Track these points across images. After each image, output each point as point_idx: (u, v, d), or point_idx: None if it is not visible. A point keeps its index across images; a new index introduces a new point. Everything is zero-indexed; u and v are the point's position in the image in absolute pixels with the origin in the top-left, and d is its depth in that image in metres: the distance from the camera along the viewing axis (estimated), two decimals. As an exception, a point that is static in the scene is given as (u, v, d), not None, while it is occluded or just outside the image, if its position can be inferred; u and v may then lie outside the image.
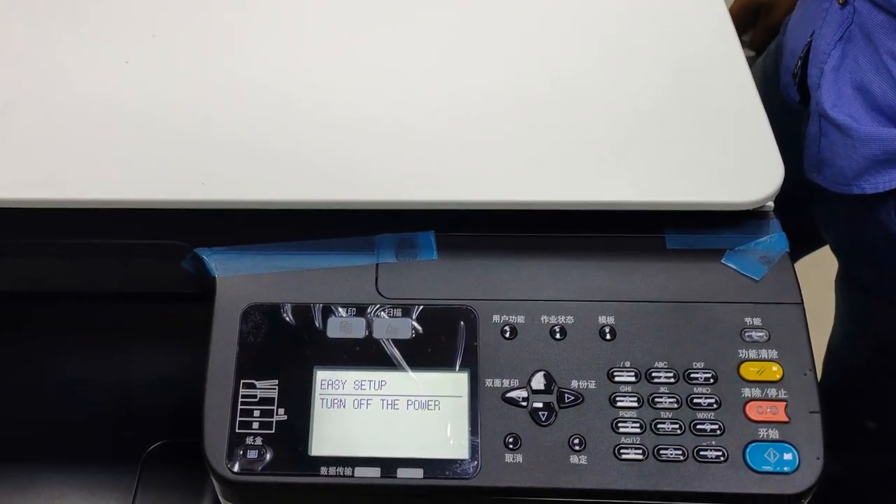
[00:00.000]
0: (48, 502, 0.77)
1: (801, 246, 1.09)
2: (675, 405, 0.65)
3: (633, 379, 0.66)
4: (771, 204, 0.71)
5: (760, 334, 0.67)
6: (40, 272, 0.75)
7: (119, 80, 0.77)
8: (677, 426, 0.64)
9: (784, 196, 0.70)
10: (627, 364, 0.66)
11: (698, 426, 0.64)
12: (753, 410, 0.65)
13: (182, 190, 0.69)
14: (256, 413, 0.65)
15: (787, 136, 0.77)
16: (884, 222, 0.82)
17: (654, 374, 0.66)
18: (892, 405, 1.01)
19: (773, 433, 0.64)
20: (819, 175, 0.85)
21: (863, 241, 0.88)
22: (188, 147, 0.72)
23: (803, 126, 0.89)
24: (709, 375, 0.65)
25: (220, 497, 0.67)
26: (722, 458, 0.63)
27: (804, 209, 0.95)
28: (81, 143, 0.72)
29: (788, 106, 0.94)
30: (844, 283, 0.99)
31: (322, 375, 0.66)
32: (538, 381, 0.66)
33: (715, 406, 0.65)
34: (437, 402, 0.65)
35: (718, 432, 0.64)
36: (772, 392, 0.65)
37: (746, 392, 0.65)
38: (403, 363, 0.66)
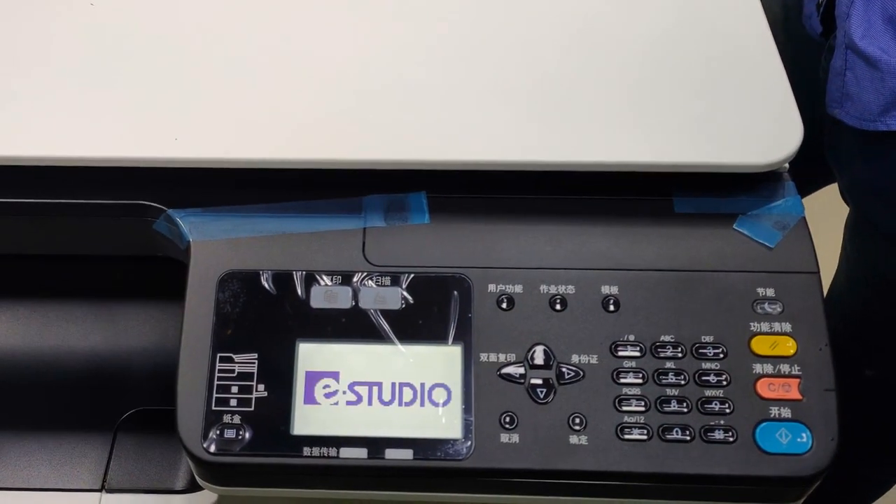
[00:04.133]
0: (16, 473, 0.74)
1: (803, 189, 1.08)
2: (682, 382, 0.62)
3: (637, 353, 0.63)
4: (786, 166, 0.68)
5: (774, 306, 0.64)
6: (4, 233, 0.71)
7: (84, 22, 0.73)
8: (684, 404, 0.62)
9: None
10: (632, 337, 0.63)
11: (706, 404, 0.62)
12: (765, 388, 0.62)
13: (153, 146, 0.66)
14: (234, 389, 0.62)
15: (804, 70, 0.73)
16: None
17: (659, 349, 0.63)
18: (893, 353, 0.99)
19: (786, 412, 0.61)
20: (842, 110, 0.83)
21: (880, 180, 0.86)
22: (160, 99, 0.68)
23: (825, 59, 0.87)
24: (718, 350, 0.63)
25: (196, 477, 0.63)
26: (731, 439, 0.61)
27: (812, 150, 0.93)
28: (44, 96, 0.68)
29: (808, 39, 0.91)
30: (856, 227, 0.97)
31: (305, 349, 0.63)
32: (536, 356, 0.63)
33: (724, 383, 0.62)
34: (428, 378, 0.62)
35: (727, 411, 0.61)
36: (785, 368, 0.62)
37: (758, 368, 0.62)
38: (392, 336, 0.63)
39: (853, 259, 0.99)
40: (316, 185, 0.67)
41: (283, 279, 0.64)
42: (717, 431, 0.61)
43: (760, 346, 0.63)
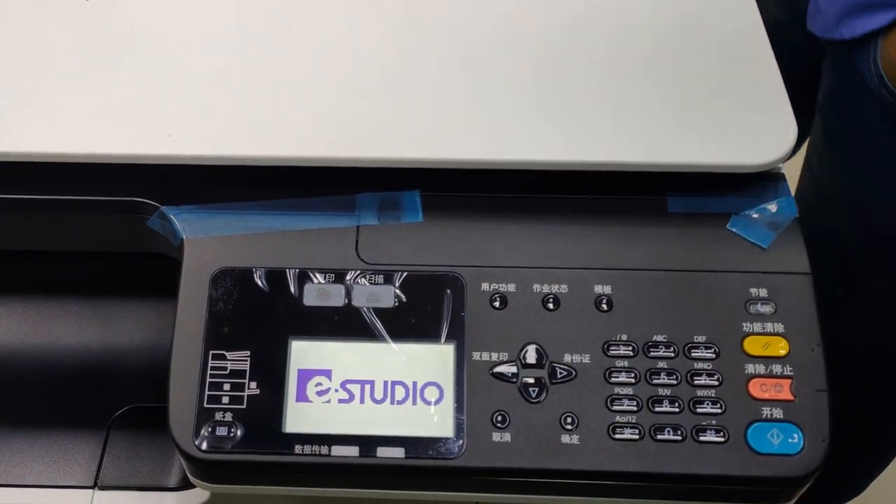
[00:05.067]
0: (9, 470, 0.74)
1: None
2: (674, 381, 0.62)
3: (630, 353, 0.62)
4: (781, 166, 0.67)
5: (766, 307, 0.64)
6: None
7: (78, 19, 0.73)
8: (676, 404, 0.61)
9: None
10: (624, 337, 0.63)
11: (698, 404, 0.61)
12: (757, 388, 0.62)
13: (147, 143, 0.65)
14: (226, 386, 0.61)
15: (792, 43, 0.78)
16: (861, 71, 0.82)
17: (652, 349, 0.63)
18: (859, 269, 0.98)
19: (777, 412, 0.61)
20: (813, 23, 0.88)
21: (841, 92, 0.90)
22: (154, 95, 0.68)
23: None
24: (710, 350, 0.63)
25: (188, 475, 0.63)
26: (722, 439, 0.61)
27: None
28: (37, 92, 0.68)
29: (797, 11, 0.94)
30: (821, 142, 0.98)
31: (298, 346, 0.62)
32: (529, 355, 0.62)
33: (716, 383, 0.62)
34: (420, 377, 0.62)
35: (719, 411, 0.61)
36: (777, 368, 0.62)
37: (750, 368, 0.62)
38: (385, 334, 0.63)
39: (809, 177, 1.00)
40: (310, 182, 0.66)
41: (276, 277, 0.64)
42: (708, 431, 0.60)
43: (753, 346, 0.62)
